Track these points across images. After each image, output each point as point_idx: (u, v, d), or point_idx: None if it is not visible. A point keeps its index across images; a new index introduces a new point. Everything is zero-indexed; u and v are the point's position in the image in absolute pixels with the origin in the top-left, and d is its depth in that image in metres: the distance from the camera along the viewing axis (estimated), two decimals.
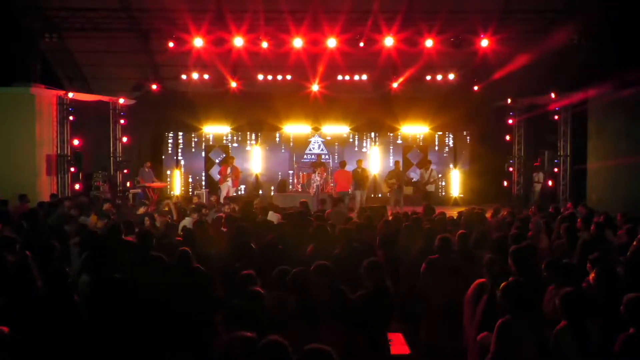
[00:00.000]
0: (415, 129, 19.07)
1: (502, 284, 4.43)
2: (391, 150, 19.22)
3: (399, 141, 19.19)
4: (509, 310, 4.29)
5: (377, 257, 5.81)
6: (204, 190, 17.49)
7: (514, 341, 4.16)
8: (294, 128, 19.01)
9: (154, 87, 17.43)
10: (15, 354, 3.87)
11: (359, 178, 15.69)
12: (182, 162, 19.30)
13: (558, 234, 7.77)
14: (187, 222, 9.26)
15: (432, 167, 16.29)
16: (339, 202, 11.23)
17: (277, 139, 19.21)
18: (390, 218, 9.57)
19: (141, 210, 11.04)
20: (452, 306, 5.52)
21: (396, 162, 16.65)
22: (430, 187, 16.03)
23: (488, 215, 10.18)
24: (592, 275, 4.75)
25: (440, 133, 19.14)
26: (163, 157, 19.21)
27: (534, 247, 6.84)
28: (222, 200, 12.89)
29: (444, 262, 5.96)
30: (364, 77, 17.05)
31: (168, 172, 19.14)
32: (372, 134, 19.24)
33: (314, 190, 15.79)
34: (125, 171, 18.16)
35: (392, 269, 6.63)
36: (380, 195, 18.21)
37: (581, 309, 4.10)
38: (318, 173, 16.17)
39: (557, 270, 5.11)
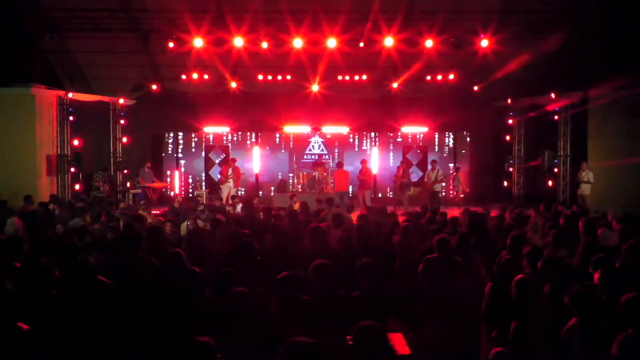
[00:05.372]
0: (415, 129, 19.07)
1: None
2: (391, 150, 19.23)
3: (399, 141, 19.18)
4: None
5: (373, 257, 5.80)
6: (204, 191, 17.49)
7: None
8: (294, 128, 19.01)
9: (154, 87, 17.44)
10: (35, 352, 3.88)
11: (364, 178, 15.80)
12: (182, 162, 19.31)
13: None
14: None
15: (438, 167, 16.45)
16: (333, 202, 11.19)
17: (277, 139, 19.21)
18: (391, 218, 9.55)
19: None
20: (450, 306, 5.52)
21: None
22: (437, 187, 16.13)
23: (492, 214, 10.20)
24: (596, 276, 4.73)
25: (440, 133, 19.15)
26: (163, 157, 19.20)
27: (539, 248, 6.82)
28: (226, 200, 12.86)
29: (442, 261, 5.95)
30: (364, 77, 17.06)
31: (168, 172, 19.14)
32: (372, 134, 19.23)
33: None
34: (125, 171, 18.15)
35: (390, 269, 6.63)
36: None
37: (593, 306, 4.05)
38: (319, 173, 16.22)
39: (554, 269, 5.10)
